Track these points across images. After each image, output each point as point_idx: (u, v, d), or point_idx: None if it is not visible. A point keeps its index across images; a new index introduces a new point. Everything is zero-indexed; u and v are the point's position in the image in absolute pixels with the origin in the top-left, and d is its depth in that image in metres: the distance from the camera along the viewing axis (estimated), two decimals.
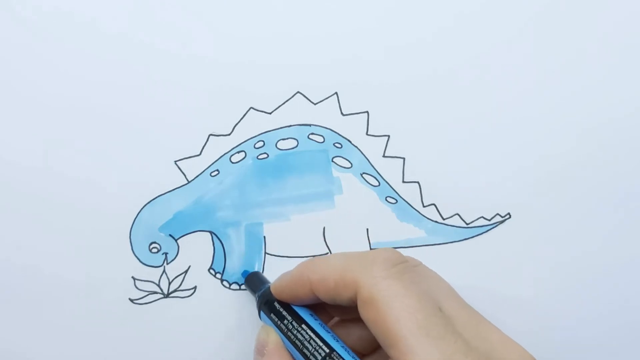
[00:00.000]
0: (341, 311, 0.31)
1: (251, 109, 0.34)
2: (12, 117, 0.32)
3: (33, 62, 0.32)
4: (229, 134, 0.34)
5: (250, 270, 0.34)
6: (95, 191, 0.33)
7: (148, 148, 0.33)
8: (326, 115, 0.34)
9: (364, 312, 0.27)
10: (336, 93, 0.34)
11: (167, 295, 0.34)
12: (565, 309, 0.36)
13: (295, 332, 0.29)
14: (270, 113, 0.34)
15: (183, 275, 0.34)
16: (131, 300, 0.34)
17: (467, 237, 0.35)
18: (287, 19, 0.33)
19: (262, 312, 0.31)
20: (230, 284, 0.35)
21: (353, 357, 0.27)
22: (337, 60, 0.33)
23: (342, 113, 0.34)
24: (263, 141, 0.34)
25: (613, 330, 0.36)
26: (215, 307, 0.35)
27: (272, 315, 0.30)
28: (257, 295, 0.32)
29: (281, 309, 0.30)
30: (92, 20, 0.32)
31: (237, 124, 0.34)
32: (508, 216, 0.35)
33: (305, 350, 0.28)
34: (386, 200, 0.35)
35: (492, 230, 0.35)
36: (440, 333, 0.25)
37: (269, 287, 0.31)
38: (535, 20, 0.34)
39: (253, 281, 0.33)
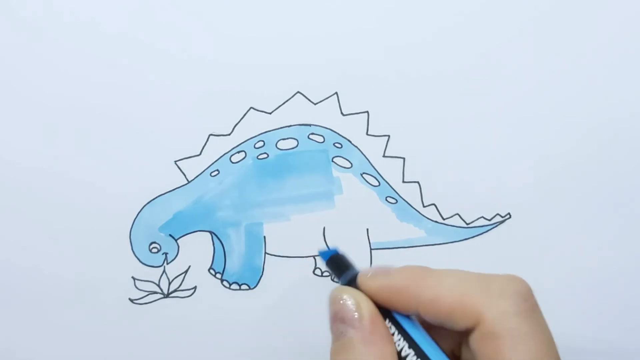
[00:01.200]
0: (442, 336, 0.25)
1: (251, 109, 0.34)
2: (12, 117, 0.32)
3: (33, 62, 0.32)
4: (229, 134, 0.34)
5: (334, 252, 0.28)
6: (95, 191, 0.33)
7: (148, 148, 0.33)
8: (326, 115, 0.34)
9: (480, 345, 0.23)
10: (336, 93, 0.34)
11: (167, 295, 0.34)
12: (565, 309, 0.36)
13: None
14: (270, 113, 0.34)
15: (183, 275, 0.34)
16: (131, 300, 0.34)
17: (467, 237, 0.35)
18: (287, 19, 0.33)
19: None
20: (230, 284, 0.35)
21: None
22: (337, 60, 0.33)
23: (342, 113, 0.34)
24: (263, 141, 0.34)
25: (613, 329, 0.36)
26: (215, 307, 0.35)
27: None
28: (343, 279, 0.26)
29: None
30: (92, 20, 0.32)
31: (237, 124, 0.34)
32: (508, 216, 0.35)
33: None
34: (386, 200, 0.35)
35: (492, 230, 0.35)
36: None
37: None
38: (536, 20, 0.34)
39: (338, 265, 0.27)
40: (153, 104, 0.33)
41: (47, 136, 0.33)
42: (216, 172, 0.34)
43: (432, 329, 0.25)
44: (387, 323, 0.24)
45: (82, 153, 0.33)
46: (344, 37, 0.33)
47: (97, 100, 0.33)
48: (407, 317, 0.24)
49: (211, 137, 0.34)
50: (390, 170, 0.35)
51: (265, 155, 0.34)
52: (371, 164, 0.35)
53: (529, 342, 0.23)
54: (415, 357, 0.23)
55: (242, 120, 0.34)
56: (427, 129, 0.34)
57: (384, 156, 0.35)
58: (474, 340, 0.23)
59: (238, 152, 0.34)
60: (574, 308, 0.36)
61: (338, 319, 0.24)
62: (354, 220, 0.35)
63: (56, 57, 0.32)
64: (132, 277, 0.34)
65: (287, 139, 0.34)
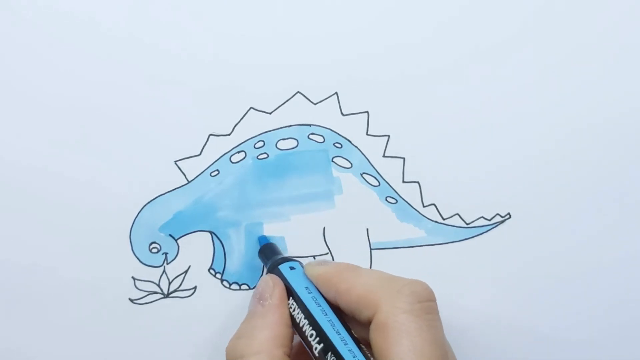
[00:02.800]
0: (355, 325, 0.30)
1: (251, 109, 0.34)
2: (12, 117, 0.32)
3: (33, 62, 0.32)
4: (229, 134, 0.34)
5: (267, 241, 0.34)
6: (96, 191, 0.33)
7: (148, 148, 0.33)
8: (326, 115, 0.34)
9: (373, 336, 0.27)
10: (336, 93, 0.34)
11: (167, 295, 0.34)
12: (565, 309, 0.36)
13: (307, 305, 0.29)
14: (270, 113, 0.34)
15: (183, 275, 0.34)
16: (131, 300, 0.34)
17: (467, 237, 0.35)
18: (287, 18, 0.33)
19: (280, 267, 0.31)
20: (230, 284, 0.35)
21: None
22: (337, 60, 0.33)
23: (342, 113, 0.34)
24: (263, 141, 0.34)
25: (613, 328, 0.36)
26: (215, 307, 0.35)
27: (289, 272, 0.31)
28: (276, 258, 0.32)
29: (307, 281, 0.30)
30: (92, 20, 0.32)
31: (237, 124, 0.34)
32: (508, 216, 0.35)
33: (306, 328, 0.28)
34: (386, 200, 0.35)
35: (492, 230, 0.35)
36: None
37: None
38: (537, 18, 0.34)
39: (269, 250, 0.33)
40: (153, 104, 0.33)
41: (46, 136, 0.33)
42: (216, 172, 0.34)
43: (351, 321, 0.29)
44: (292, 302, 0.30)
45: (82, 153, 0.33)
46: (344, 37, 0.33)
47: (97, 100, 0.33)
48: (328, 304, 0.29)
49: (211, 137, 0.34)
50: (390, 170, 0.35)
51: (265, 155, 0.34)
52: (371, 164, 0.35)
53: (414, 339, 0.25)
54: (309, 327, 0.28)
55: (242, 120, 0.34)
56: (427, 129, 0.34)
57: (384, 156, 0.35)
58: (371, 330, 0.27)
59: (238, 152, 0.34)
60: (574, 307, 0.36)
61: (256, 297, 0.30)
62: (354, 220, 0.35)
63: (56, 57, 0.32)
64: (132, 277, 0.34)
65: (287, 139, 0.34)
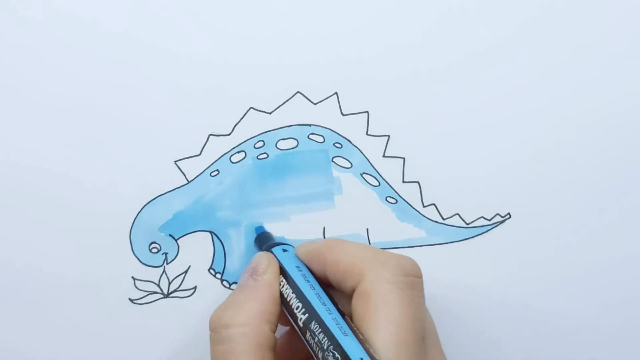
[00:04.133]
0: (342, 299, 0.30)
1: (251, 109, 0.34)
2: (12, 117, 0.32)
3: (33, 62, 0.32)
4: (229, 134, 0.34)
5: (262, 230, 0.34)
6: (95, 191, 0.33)
7: (148, 148, 0.33)
8: (326, 115, 0.34)
9: (355, 304, 0.27)
10: (336, 93, 0.34)
11: (167, 295, 0.34)
12: (565, 309, 0.36)
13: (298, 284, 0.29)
14: (270, 113, 0.34)
15: (183, 275, 0.34)
16: (131, 300, 0.34)
17: (467, 237, 0.35)
18: (287, 18, 0.33)
19: (273, 250, 0.31)
20: (230, 284, 0.35)
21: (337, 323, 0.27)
22: (337, 59, 0.33)
23: (342, 113, 0.34)
24: (263, 141, 0.34)
25: (613, 328, 0.37)
26: (215, 307, 0.35)
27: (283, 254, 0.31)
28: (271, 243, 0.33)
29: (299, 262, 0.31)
30: (92, 20, 0.32)
31: (237, 124, 0.34)
32: (508, 216, 0.35)
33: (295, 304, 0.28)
34: (386, 200, 0.35)
35: (492, 230, 0.35)
36: (412, 359, 0.25)
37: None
38: (537, 18, 0.34)
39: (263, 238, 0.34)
40: (153, 104, 0.33)
41: (46, 136, 0.33)
42: (216, 172, 0.34)
43: (338, 295, 0.29)
44: (282, 280, 0.30)
45: (82, 152, 0.33)
46: (343, 37, 0.33)
47: (97, 100, 0.33)
48: (316, 280, 0.30)
49: (211, 137, 0.34)
50: (390, 170, 0.35)
51: (265, 155, 0.34)
52: (371, 164, 0.35)
53: (393, 310, 0.25)
54: (296, 300, 0.28)
55: (242, 120, 0.34)
56: (427, 129, 0.34)
57: (384, 156, 0.35)
58: (353, 298, 0.27)
59: (238, 152, 0.34)
60: (574, 307, 0.36)
61: (248, 272, 0.30)
62: (354, 220, 0.35)
63: (56, 57, 0.32)
64: (132, 277, 0.34)
65: (287, 139, 0.34)
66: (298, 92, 0.34)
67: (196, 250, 0.34)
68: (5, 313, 0.34)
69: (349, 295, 0.28)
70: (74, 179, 0.33)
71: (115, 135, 0.33)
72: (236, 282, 0.35)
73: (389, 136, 0.34)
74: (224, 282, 0.35)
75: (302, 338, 0.28)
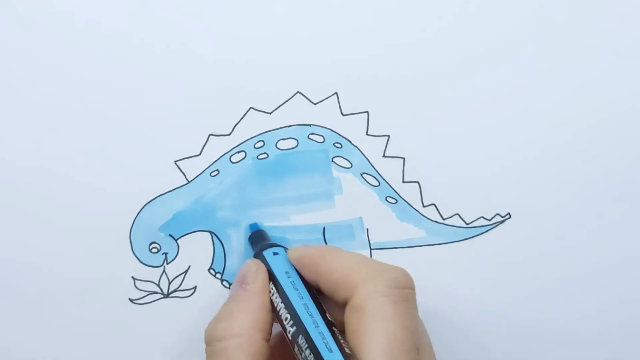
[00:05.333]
0: (333, 308, 0.30)
1: (251, 109, 0.34)
2: (12, 116, 0.32)
3: (33, 62, 0.32)
4: (229, 134, 0.34)
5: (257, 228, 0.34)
6: (95, 191, 0.33)
7: (148, 148, 0.33)
8: (326, 115, 0.34)
9: (348, 317, 0.27)
10: (336, 93, 0.34)
11: (167, 295, 0.34)
12: (565, 308, 0.36)
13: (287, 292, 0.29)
14: (270, 113, 0.34)
15: (183, 275, 0.34)
16: (131, 300, 0.34)
17: (467, 237, 0.35)
18: (287, 18, 0.33)
19: (264, 253, 0.31)
20: (230, 284, 0.35)
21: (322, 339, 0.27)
22: (337, 60, 0.33)
23: (342, 113, 0.34)
24: (263, 141, 0.34)
25: (613, 328, 0.37)
26: (215, 307, 0.34)
27: (274, 259, 0.31)
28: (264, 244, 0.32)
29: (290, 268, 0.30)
30: (92, 20, 0.32)
31: (237, 124, 0.34)
32: (508, 216, 0.35)
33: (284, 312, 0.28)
34: (386, 200, 0.35)
35: (492, 230, 0.35)
36: None
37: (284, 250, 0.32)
38: (537, 18, 0.34)
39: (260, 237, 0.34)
40: (153, 104, 0.33)
41: (46, 136, 0.33)
42: (216, 172, 0.34)
43: (329, 304, 0.29)
44: (272, 287, 0.30)
45: (82, 153, 0.33)
46: (344, 37, 0.33)
47: (97, 100, 0.33)
48: (307, 289, 0.29)
49: (211, 137, 0.34)
50: (390, 170, 0.35)
51: (265, 155, 0.34)
52: (371, 164, 0.35)
53: (387, 323, 0.25)
54: (285, 311, 0.28)
55: (242, 120, 0.34)
56: (427, 129, 0.34)
57: (384, 156, 0.35)
58: (346, 311, 0.27)
59: (238, 152, 0.34)
60: (574, 307, 0.36)
61: (238, 280, 0.30)
62: (354, 220, 0.35)
63: (56, 57, 0.32)
64: (132, 277, 0.34)
65: (287, 139, 0.34)
66: (298, 92, 0.34)
67: (196, 250, 0.34)
68: (5, 313, 0.34)
69: (340, 305, 0.28)
70: (74, 179, 0.33)
71: (115, 135, 0.33)
72: None
73: (389, 136, 0.34)
74: (224, 282, 0.35)
75: (292, 349, 0.28)
